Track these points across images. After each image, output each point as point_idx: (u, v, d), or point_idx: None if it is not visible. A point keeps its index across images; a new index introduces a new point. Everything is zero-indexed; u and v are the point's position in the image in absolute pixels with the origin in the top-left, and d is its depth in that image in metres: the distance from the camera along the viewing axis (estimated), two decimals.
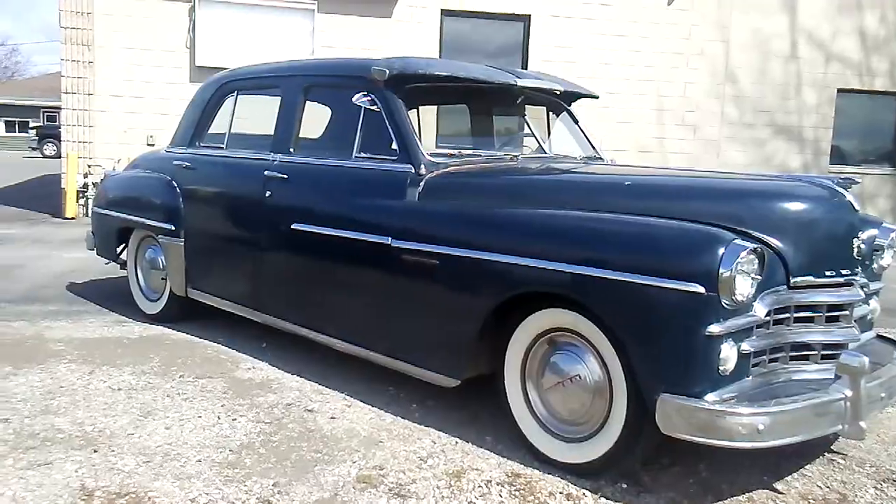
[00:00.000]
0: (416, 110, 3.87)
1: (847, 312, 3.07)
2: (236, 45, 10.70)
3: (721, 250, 2.61)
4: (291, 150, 4.19)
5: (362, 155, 3.82)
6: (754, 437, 2.61)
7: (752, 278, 2.68)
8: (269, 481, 2.91)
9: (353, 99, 3.79)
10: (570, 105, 4.74)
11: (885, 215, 13.65)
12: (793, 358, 3.00)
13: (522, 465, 3.12)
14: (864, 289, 3.39)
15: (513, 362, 3.23)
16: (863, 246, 3.43)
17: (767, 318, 2.85)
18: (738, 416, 2.61)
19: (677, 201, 3.13)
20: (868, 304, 3.53)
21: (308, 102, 4.20)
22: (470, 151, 3.84)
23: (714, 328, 2.62)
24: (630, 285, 2.74)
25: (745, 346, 2.76)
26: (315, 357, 4.27)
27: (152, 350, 4.49)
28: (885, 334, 3.63)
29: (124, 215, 5.24)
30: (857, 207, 3.07)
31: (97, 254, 5.75)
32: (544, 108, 4.70)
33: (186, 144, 4.99)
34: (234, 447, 3.19)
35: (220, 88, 4.80)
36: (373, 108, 3.77)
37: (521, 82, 4.03)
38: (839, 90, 13.35)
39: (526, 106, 4.48)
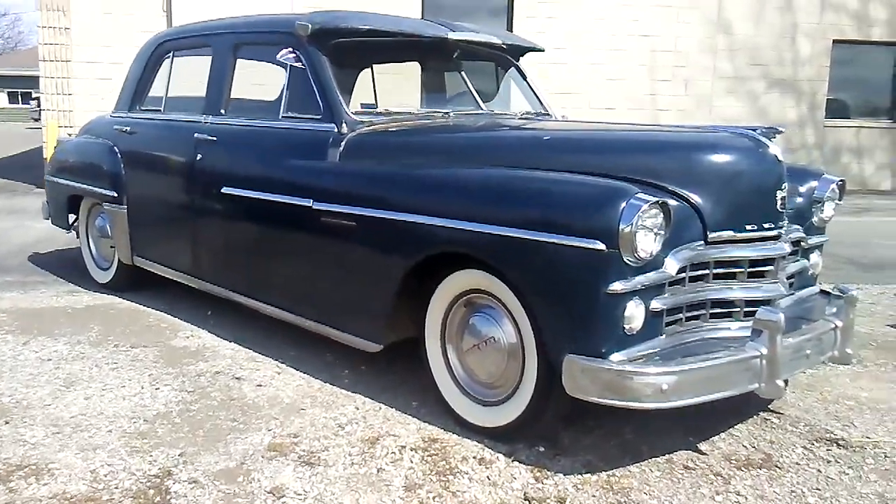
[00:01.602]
0: (346, 67, 3.74)
1: (771, 268, 2.96)
2: (213, 8, 10.51)
3: (621, 205, 2.50)
4: (222, 111, 4.09)
5: (289, 115, 3.71)
6: (659, 397, 2.52)
7: (656, 234, 2.57)
8: (176, 451, 2.85)
9: (278, 56, 3.68)
10: (517, 60, 4.59)
11: (882, 169, 13.43)
12: (714, 315, 2.91)
13: (443, 431, 3.06)
14: (802, 243, 3.28)
15: (432, 326, 3.15)
16: (797, 199, 3.33)
17: (681, 274, 2.74)
18: (642, 375, 2.52)
19: (594, 156, 3.02)
20: (808, 259, 3.43)
21: (239, 61, 4.08)
22: (399, 109, 3.70)
23: (616, 286, 2.52)
24: (533, 244, 2.64)
25: (656, 304, 2.66)
26: (257, 325, 4.21)
27: (94, 319, 4.44)
28: (826, 289, 3.51)
29: (73, 183, 5.17)
30: (780, 158, 2.94)
31: (52, 223, 5.69)
32: (493, 63, 4.56)
33: (127, 108, 4.89)
34: (149, 417, 3.14)
35: (157, 49, 4.69)
36: (297, 65, 3.65)
37: (453, 35, 3.89)
38: (835, 41, 13.04)
39: (468, 61, 4.33)
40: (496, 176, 2.93)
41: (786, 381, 3.44)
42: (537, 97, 4.52)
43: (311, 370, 3.68)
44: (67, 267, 5.75)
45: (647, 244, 2.55)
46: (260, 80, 4.22)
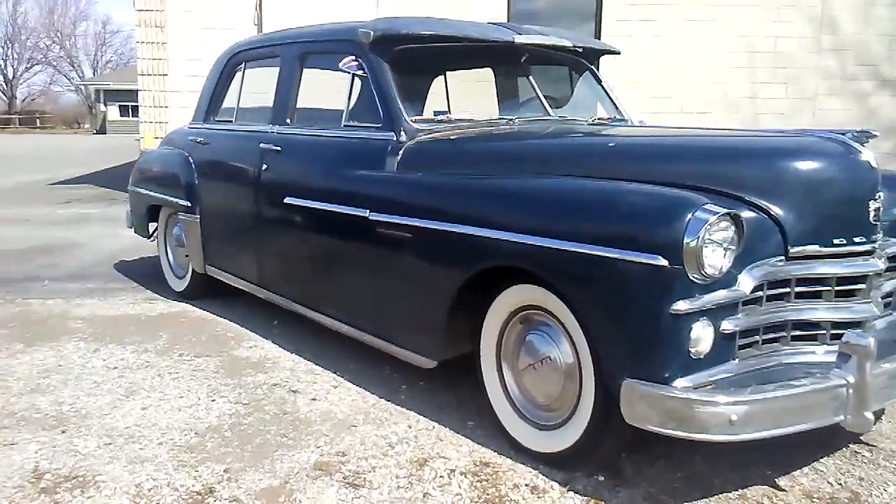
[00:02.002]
0: (410, 75, 3.64)
1: (863, 286, 2.66)
2: (303, 20, 10.68)
3: (687, 217, 2.28)
4: (288, 121, 4.05)
5: (351, 124, 3.64)
6: (727, 429, 2.29)
7: (726, 248, 2.34)
8: (221, 467, 2.79)
9: (340, 64, 3.61)
10: (593, 63, 4.38)
11: None
12: (797, 338, 2.64)
13: (496, 454, 2.89)
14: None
15: (488, 342, 2.99)
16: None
17: (757, 293, 2.49)
18: (708, 404, 2.29)
19: (663, 164, 2.81)
20: None
21: (306, 70, 4.03)
22: (463, 116, 3.56)
23: (681, 305, 2.30)
24: (590, 258, 2.45)
25: (727, 326, 2.42)
26: (320, 336, 4.14)
27: (165, 328, 4.48)
28: None
29: (151, 192, 5.26)
30: (873, 165, 2.64)
31: (134, 232, 5.81)
32: (567, 67, 4.37)
33: (202, 119, 4.94)
34: (201, 430, 3.10)
35: (230, 60, 4.71)
36: (360, 73, 3.57)
37: (520, 39, 3.72)
38: None
39: (540, 66, 4.16)
40: (551, 185, 2.75)
41: (882, 413, 3.14)
42: (612, 101, 4.31)
43: (368, 384, 3.57)
44: (148, 275, 5.86)
45: (716, 260, 2.32)
46: (327, 89, 4.16)
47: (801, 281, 2.60)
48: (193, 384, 3.58)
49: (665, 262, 2.29)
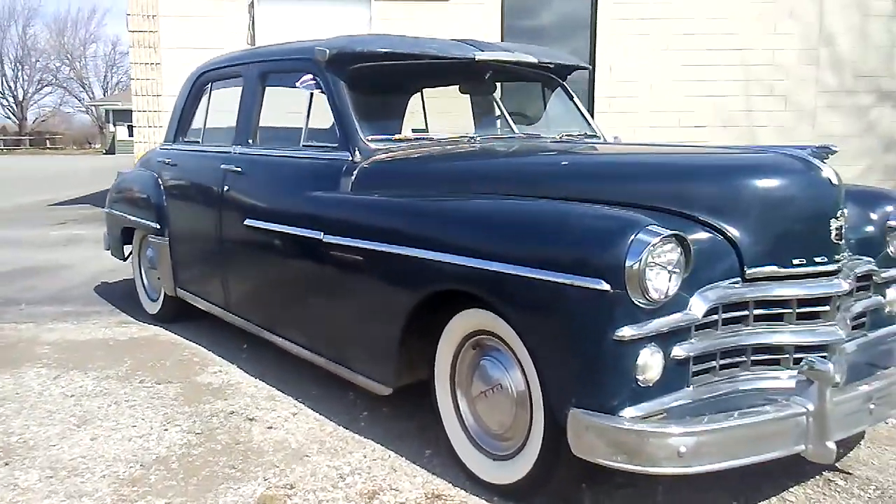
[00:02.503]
0: (368, 94, 3.56)
1: (826, 308, 2.55)
2: (295, 39, 10.67)
3: (628, 239, 2.18)
4: (250, 141, 3.97)
5: (309, 144, 3.56)
6: (676, 461, 2.17)
7: (672, 271, 2.23)
8: (161, 502, 2.69)
9: (298, 83, 3.53)
10: (564, 79, 4.29)
11: None
12: (759, 363, 2.52)
13: (450, 485, 2.78)
14: (874, 277, 2.85)
15: (442, 369, 2.89)
16: (868, 227, 2.91)
17: (712, 316, 2.38)
18: (656, 436, 2.18)
19: (618, 184, 2.72)
20: (884, 295, 2.98)
21: (268, 90, 3.96)
22: (421, 135, 3.48)
23: (626, 331, 2.19)
24: (533, 281, 2.34)
25: (679, 352, 2.31)
26: (287, 361, 4.03)
27: (131, 353, 4.39)
28: None
29: (125, 214, 5.19)
30: (834, 182, 2.53)
31: (111, 254, 5.75)
32: (539, 83, 4.29)
33: (172, 140, 4.87)
34: (148, 461, 3.00)
35: (197, 80, 4.64)
36: (317, 91, 3.49)
37: (482, 56, 3.64)
38: None
39: (510, 83, 4.08)
40: (494, 207, 2.66)
41: (861, 437, 3.02)
42: (584, 117, 4.21)
43: (328, 411, 3.47)
44: (127, 297, 5.78)
45: (661, 283, 2.22)
46: (291, 109, 4.08)
47: (761, 304, 2.48)
48: (149, 412, 3.49)
49: (607, 287, 2.18)
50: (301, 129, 3.59)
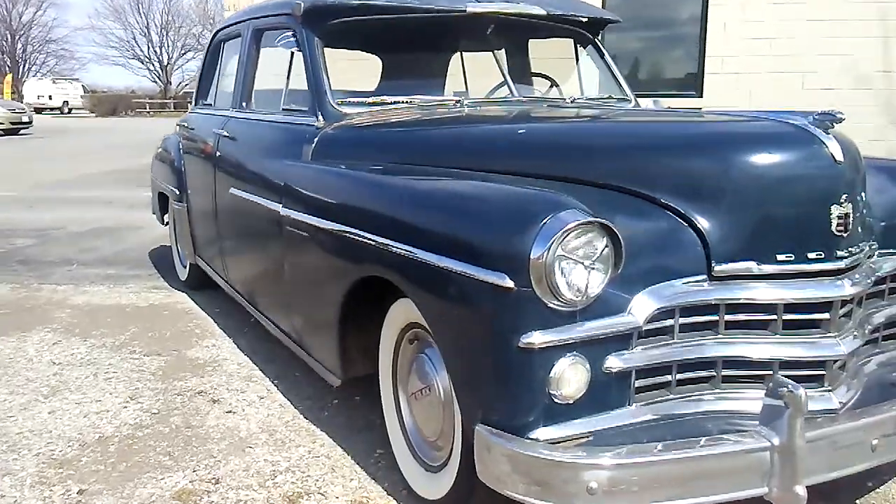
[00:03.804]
0: (349, 51, 3.24)
1: (825, 315, 2.05)
2: None
3: (535, 226, 1.77)
4: (244, 104, 3.74)
5: (287, 107, 3.28)
6: (587, 499, 1.77)
7: (591, 267, 1.81)
8: (78, 487, 2.53)
9: (276, 41, 3.26)
10: (596, 35, 3.81)
11: None
12: (734, 380, 2.06)
13: (383, 493, 2.49)
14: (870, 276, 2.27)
15: (385, 363, 2.58)
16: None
17: (666, 322, 1.95)
18: (562, 466, 1.79)
19: (571, 157, 2.29)
20: None
21: (262, 49, 3.70)
22: (399, 99, 3.11)
23: (535, 338, 1.80)
24: (439, 271, 1.98)
25: (614, 364, 1.89)
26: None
27: (141, 321, 4.32)
28: None
29: (156, 179, 5.13)
30: (839, 158, 2.01)
31: (156, 218, 5.73)
32: (570, 40, 3.83)
33: (195, 103, 4.73)
34: (90, 441, 2.86)
35: (213, 40, 4.46)
36: (295, 49, 3.20)
37: (475, 8, 3.22)
38: None
39: (518, 39, 3.65)
40: (414, 182, 2.30)
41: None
42: (616, 78, 3.72)
43: (298, 396, 3.24)
44: (172, 263, 5.76)
45: (578, 281, 1.80)
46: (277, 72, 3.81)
47: (736, 308, 2.01)
48: (120, 387, 3.36)
49: (511, 284, 1.79)
50: (280, 90, 3.31)
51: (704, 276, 1.99)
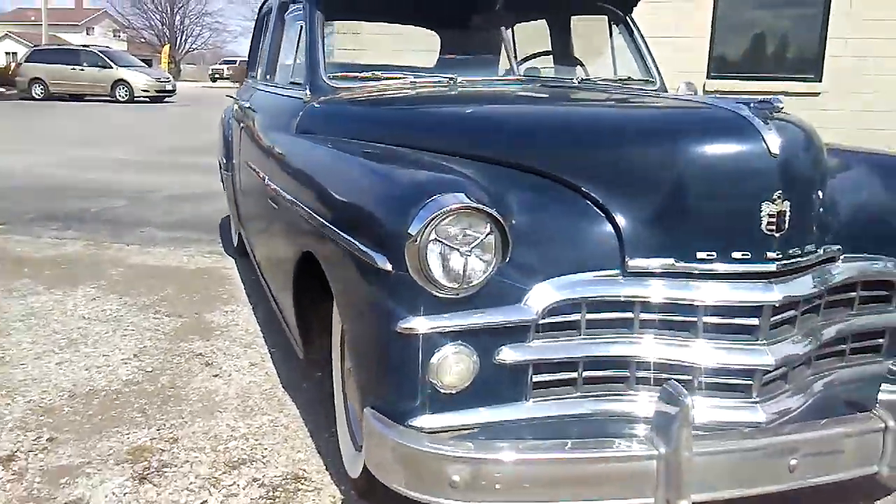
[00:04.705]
0: (355, 23, 3.24)
1: (754, 321, 1.89)
2: None
3: (413, 208, 1.72)
4: (268, 77, 3.81)
5: (294, 80, 3.31)
6: (450, 493, 1.72)
7: (467, 253, 1.73)
8: (50, 435, 2.69)
9: (285, 14, 3.30)
10: (629, 12, 3.63)
11: None
12: (645, 381, 1.94)
13: (321, 469, 2.51)
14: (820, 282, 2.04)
15: (336, 340, 2.57)
16: (872, 209, 2.15)
17: (571, 316, 1.85)
18: (428, 457, 1.74)
19: (500, 138, 2.22)
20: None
21: (287, 23, 3.75)
22: (392, 74, 3.07)
23: (414, 323, 1.76)
24: (338, 248, 1.99)
25: (509, 356, 1.82)
26: None
27: (180, 283, 4.52)
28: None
29: (219, 147, 5.33)
30: (775, 151, 1.83)
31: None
32: (603, 17, 3.68)
33: (246, 75, 4.87)
34: (80, 393, 3.03)
35: (259, 12, 4.55)
36: (302, 22, 3.24)
37: None
38: None
39: (537, 16, 3.55)
40: (342, 159, 2.29)
41: None
42: (644, 59, 3.54)
43: (287, 366, 3.31)
44: None
45: (455, 267, 1.73)
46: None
47: (655, 307, 1.89)
48: (131, 343, 3.54)
49: (389, 266, 1.75)
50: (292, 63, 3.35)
51: (618, 271, 1.87)
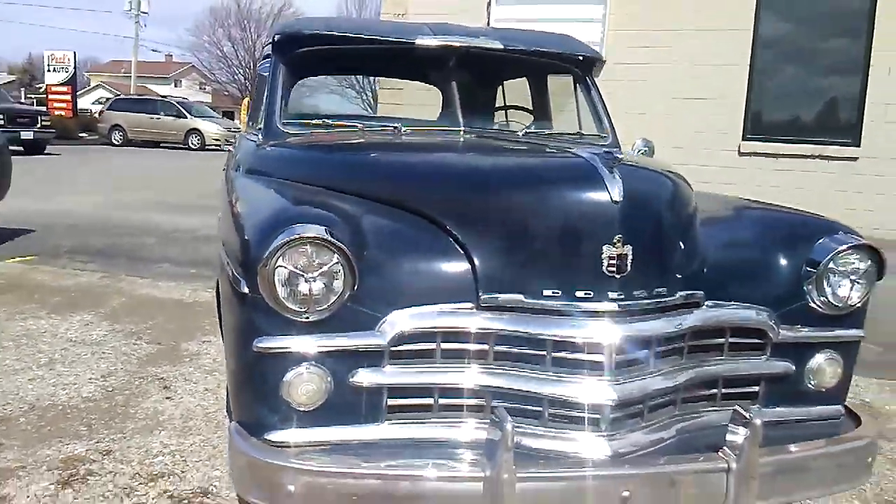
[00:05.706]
0: (317, 76, 3.48)
1: (599, 357, 1.97)
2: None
3: (267, 238, 1.88)
4: (251, 123, 4.06)
5: (259, 126, 3.55)
6: (284, 501, 1.85)
7: (315, 280, 1.88)
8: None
9: (258, 67, 3.56)
10: (588, 72, 3.78)
11: None
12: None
13: (231, 485, 2.64)
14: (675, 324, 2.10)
15: None
16: (781, 268, 2.24)
17: (427, 345, 1.97)
18: (270, 468, 1.87)
19: (378, 181, 2.39)
20: (797, 364, 2.27)
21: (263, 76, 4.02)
22: (343, 123, 3.28)
23: (266, 343, 1.91)
24: (225, 273, 2.16)
25: (363, 379, 1.95)
26: None
27: (171, 313, 4.77)
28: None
29: None
30: (616, 198, 1.93)
31: None
32: (567, 76, 3.84)
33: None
34: (40, 406, 3.25)
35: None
36: (265, 74, 3.49)
37: (425, 41, 3.29)
38: None
39: (529, 76, 3.75)
40: (251, 190, 2.51)
41: None
42: (599, 116, 3.67)
43: None
44: None
45: (303, 291, 1.89)
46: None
47: (504, 339, 2.00)
48: (103, 365, 3.77)
49: (246, 289, 1.92)
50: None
51: (472, 304, 1.99)
